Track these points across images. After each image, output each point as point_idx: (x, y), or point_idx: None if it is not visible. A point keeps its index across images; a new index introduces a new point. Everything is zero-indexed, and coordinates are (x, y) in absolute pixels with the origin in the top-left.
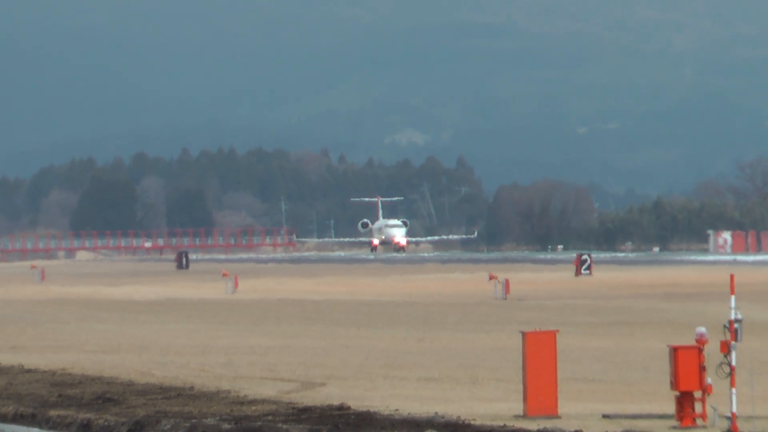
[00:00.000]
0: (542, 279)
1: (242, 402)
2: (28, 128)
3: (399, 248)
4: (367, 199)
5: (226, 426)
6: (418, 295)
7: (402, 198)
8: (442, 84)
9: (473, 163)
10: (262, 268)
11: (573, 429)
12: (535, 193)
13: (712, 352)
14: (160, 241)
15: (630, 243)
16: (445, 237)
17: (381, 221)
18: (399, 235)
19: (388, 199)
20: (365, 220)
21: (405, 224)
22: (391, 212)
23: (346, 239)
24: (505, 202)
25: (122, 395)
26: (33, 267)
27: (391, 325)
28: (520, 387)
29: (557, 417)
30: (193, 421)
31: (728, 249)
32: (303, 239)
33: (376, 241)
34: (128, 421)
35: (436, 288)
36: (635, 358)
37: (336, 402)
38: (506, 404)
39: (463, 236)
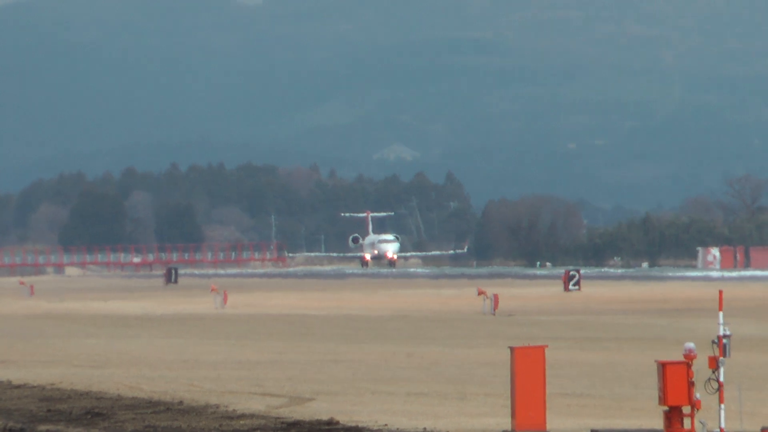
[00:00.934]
0: (531, 294)
1: (231, 417)
2: (17, 143)
3: (390, 263)
4: (356, 214)
5: None
6: (407, 310)
7: (392, 213)
8: (431, 100)
9: (462, 179)
10: (251, 282)
11: None
12: (523, 209)
13: (700, 367)
14: (149, 256)
15: (618, 259)
16: (436, 252)
17: (373, 236)
18: (392, 250)
19: (378, 214)
20: (356, 235)
21: (397, 239)
22: (379, 227)
23: (337, 254)
24: (493, 218)
25: (111, 410)
26: (22, 282)
27: (380, 340)
28: (509, 402)
29: None
30: None
31: (717, 265)
32: (294, 254)
33: (367, 256)
34: None
35: (425, 303)
36: (624, 373)
37: (325, 417)
38: (494, 419)
39: (454, 251)
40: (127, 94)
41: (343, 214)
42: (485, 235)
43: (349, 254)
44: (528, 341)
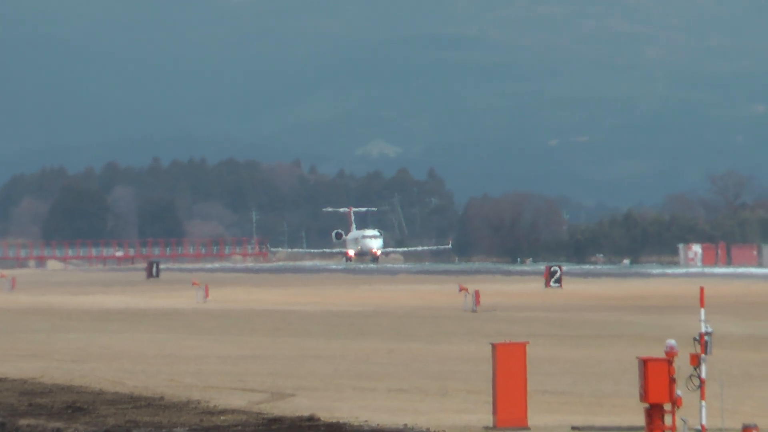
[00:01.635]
0: (512, 291)
1: (212, 412)
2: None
3: (374, 259)
4: (339, 209)
5: None
6: (389, 306)
7: (375, 208)
8: (413, 96)
9: (444, 175)
10: (232, 277)
11: None
12: (505, 205)
13: (682, 364)
14: (131, 251)
15: (600, 255)
16: (419, 248)
17: (357, 232)
18: (376, 246)
19: (361, 209)
20: (339, 230)
21: (381, 235)
22: (361, 223)
23: (321, 250)
24: (475, 214)
25: (92, 404)
26: (3, 276)
27: (361, 336)
28: (490, 399)
29: (527, 429)
30: (163, 430)
31: (698, 262)
32: (277, 249)
33: (351, 252)
34: (98, 431)
35: (406, 299)
36: (605, 370)
37: (306, 413)
38: (476, 416)
39: (438, 246)
40: (109, 88)
41: (325, 209)
42: (467, 231)
43: (334, 250)
44: (509, 338)
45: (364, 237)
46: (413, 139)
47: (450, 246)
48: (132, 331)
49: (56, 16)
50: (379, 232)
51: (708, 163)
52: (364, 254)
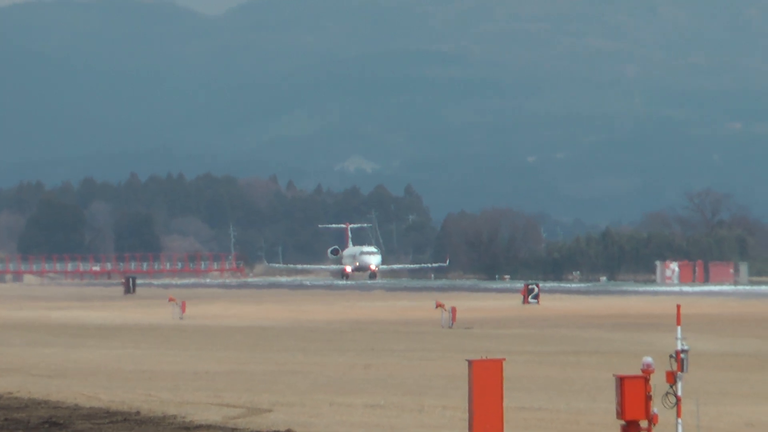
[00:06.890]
0: (489, 307)
1: (188, 427)
2: None
3: (372, 275)
4: (336, 226)
5: None
6: (365, 321)
7: (369, 225)
8: (392, 112)
9: (422, 192)
10: (209, 293)
11: None
12: (483, 222)
13: (658, 382)
14: (108, 266)
15: (577, 273)
16: (419, 265)
17: (354, 248)
18: (375, 262)
19: (358, 225)
20: (335, 247)
21: (378, 251)
22: (337, 239)
23: (320, 266)
24: (452, 231)
25: (69, 419)
26: None
27: (338, 351)
28: (467, 415)
29: None
30: None
31: (675, 279)
32: (273, 264)
33: (349, 268)
34: None
35: (383, 315)
36: (582, 387)
37: (282, 428)
38: None
39: (439, 264)
40: (87, 103)
41: (321, 226)
42: (444, 248)
43: (338, 266)
44: (486, 354)
45: (362, 253)
46: (391, 155)
47: (447, 263)
48: (108, 346)
49: (35, 30)
50: (375, 248)
51: (686, 180)
52: (361, 270)
